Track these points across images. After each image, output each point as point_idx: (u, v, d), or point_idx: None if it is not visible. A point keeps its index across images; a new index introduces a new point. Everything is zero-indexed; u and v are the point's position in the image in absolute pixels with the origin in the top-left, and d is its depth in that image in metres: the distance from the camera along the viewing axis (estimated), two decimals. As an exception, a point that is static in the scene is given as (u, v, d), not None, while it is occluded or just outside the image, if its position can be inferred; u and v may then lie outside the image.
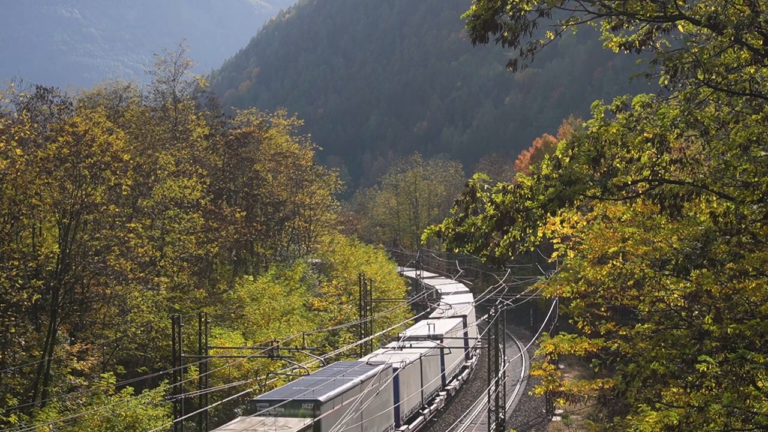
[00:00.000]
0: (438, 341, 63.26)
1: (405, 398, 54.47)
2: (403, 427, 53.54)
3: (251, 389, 50.30)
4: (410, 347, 56.98)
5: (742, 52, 15.38)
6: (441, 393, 65.31)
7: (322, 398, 40.42)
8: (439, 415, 63.54)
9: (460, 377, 73.85)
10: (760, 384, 16.80)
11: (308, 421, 38.70)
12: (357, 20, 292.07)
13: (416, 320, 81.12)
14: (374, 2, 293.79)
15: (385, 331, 73.91)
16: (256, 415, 40.22)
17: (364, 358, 56.75)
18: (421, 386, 58.66)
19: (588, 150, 16.18)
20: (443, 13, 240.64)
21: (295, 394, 41.22)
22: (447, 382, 67.80)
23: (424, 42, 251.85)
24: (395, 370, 52.37)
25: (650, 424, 22.80)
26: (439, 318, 76.81)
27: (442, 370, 65.76)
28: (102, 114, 58.44)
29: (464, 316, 78.60)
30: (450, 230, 16.89)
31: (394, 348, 56.46)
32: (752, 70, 16.03)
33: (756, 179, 15.61)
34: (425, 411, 59.63)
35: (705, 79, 15.79)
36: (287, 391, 44.24)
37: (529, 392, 67.16)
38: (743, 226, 16.00)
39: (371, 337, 69.57)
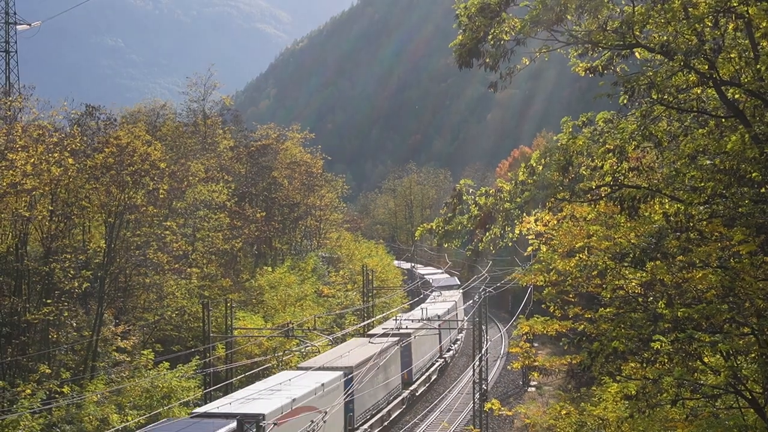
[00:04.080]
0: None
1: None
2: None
3: (270, 364, 50.35)
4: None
5: (690, 75, 15.38)
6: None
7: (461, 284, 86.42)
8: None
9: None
10: (706, 359, 16.80)
11: (459, 292, 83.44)
12: (360, 48, 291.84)
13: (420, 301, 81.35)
14: (375, 33, 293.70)
15: (384, 314, 73.87)
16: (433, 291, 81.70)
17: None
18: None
19: (558, 159, 16.19)
20: (434, 42, 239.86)
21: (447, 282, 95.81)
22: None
23: (418, 66, 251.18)
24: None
25: (612, 394, 22.78)
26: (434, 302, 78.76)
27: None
28: (142, 128, 58.53)
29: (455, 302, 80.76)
30: (440, 228, 16.90)
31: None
32: (699, 91, 16.04)
33: (702, 184, 15.63)
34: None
35: (658, 99, 15.79)
36: (438, 283, 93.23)
37: (508, 367, 67.24)
38: (691, 225, 16.01)
39: (373, 319, 69.61)
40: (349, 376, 45.37)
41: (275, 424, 34.30)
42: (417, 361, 62.82)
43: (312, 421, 36.93)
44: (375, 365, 49.43)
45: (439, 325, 68.46)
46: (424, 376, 65.02)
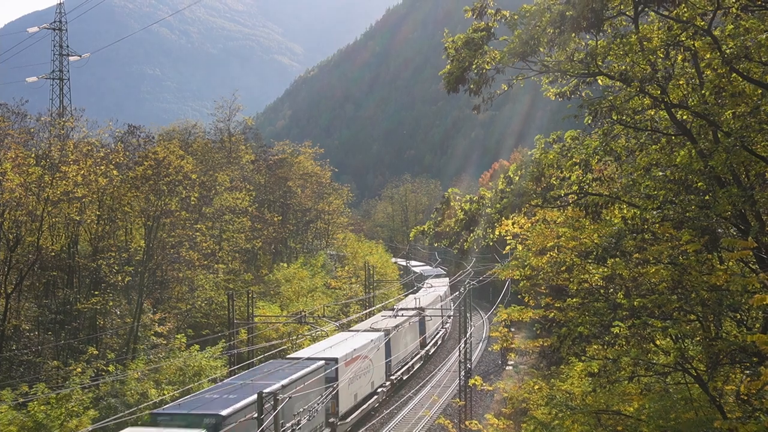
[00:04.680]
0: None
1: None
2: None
3: (286, 347, 50.38)
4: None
5: (645, 99, 15.40)
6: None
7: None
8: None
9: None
10: (658, 342, 16.81)
11: (448, 282, 78.15)
12: (363, 76, 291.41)
13: (411, 293, 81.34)
14: (376, 62, 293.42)
15: (383, 303, 73.87)
16: (428, 280, 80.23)
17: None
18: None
19: (532, 171, 16.20)
20: (426, 70, 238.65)
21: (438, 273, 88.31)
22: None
23: (412, 92, 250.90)
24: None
25: (577, 372, 22.82)
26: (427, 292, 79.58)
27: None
28: (176, 145, 58.45)
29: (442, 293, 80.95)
30: (431, 229, 16.92)
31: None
32: (652, 113, 16.07)
33: (655, 192, 15.65)
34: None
35: (618, 119, 15.81)
36: (431, 275, 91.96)
37: (489, 348, 67.32)
38: (646, 227, 16.02)
39: (373, 308, 69.65)
40: (388, 336, 51.23)
41: (345, 364, 42.75)
42: (429, 329, 68.49)
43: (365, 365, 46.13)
44: (404, 329, 57.10)
45: (441, 305, 72.63)
46: (434, 340, 71.05)
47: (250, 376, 37.20)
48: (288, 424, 30.64)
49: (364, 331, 52.25)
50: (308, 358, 41.18)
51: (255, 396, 28.65)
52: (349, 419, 43.62)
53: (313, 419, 34.35)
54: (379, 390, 50.10)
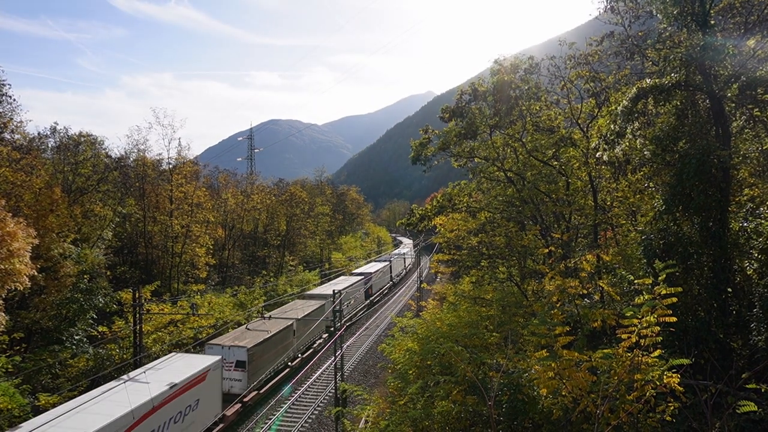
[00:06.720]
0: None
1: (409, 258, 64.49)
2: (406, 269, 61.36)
3: (343, 271, 50.22)
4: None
5: (494, 167, 15.43)
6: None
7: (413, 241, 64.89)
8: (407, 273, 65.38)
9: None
10: (500, 268, 16.68)
11: (411, 243, 59.96)
12: (380, 156, 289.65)
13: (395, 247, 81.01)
14: (392, 150, 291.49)
15: (386, 253, 73.47)
16: (402, 242, 69.41)
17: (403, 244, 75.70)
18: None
19: (447, 197, 16.27)
20: (405, 154, 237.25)
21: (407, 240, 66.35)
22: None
23: (398, 163, 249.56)
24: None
25: (466, 281, 22.67)
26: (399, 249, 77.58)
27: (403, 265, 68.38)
28: (299, 187, 58.50)
29: (408, 250, 77.18)
30: (405, 221, 16.98)
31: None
32: (497, 173, 16.06)
33: (499, 206, 15.67)
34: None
35: (484, 175, 15.86)
36: (404, 240, 67.94)
37: (431, 271, 66.64)
38: (494, 221, 16.05)
39: (380, 256, 69.38)
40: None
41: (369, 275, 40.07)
42: (404, 264, 58.11)
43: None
44: (394, 262, 49.69)
45: (407, 252, 68.50)
46: (405, 269, 61.96)
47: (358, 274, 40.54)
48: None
49: (371, 268, 46.67)
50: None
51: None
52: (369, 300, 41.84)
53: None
54: (385, 288, 48.36)
